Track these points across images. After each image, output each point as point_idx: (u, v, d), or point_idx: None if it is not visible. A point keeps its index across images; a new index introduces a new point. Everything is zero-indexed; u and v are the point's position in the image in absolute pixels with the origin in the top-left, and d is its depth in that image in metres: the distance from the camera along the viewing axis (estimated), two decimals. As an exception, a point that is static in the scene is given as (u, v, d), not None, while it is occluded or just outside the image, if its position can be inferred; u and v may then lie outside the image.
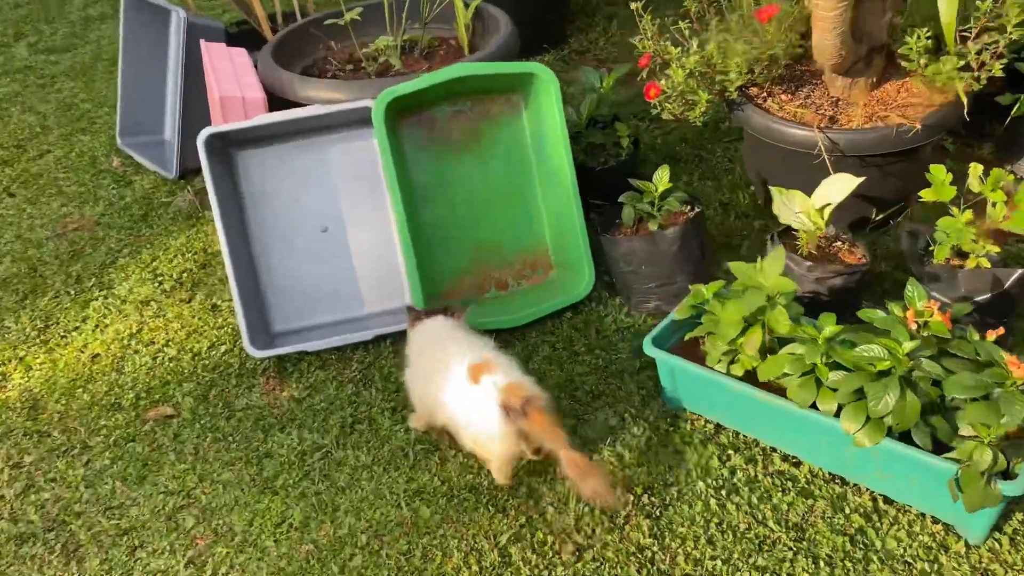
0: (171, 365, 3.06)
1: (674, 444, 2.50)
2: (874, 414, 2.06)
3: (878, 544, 2.15)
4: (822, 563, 2.12)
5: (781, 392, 2.27)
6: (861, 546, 2.15)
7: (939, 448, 2.04)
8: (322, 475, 2.55)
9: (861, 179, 2.64)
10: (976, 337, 2.13)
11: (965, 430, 1.99)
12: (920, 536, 2.15)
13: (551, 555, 2.24)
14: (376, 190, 3.10)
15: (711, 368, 2.41)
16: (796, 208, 2.73)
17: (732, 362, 2.39)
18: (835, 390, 2.15)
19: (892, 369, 2.07)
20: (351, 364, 2.97)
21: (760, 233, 3.26)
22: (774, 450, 2.43)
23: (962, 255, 2.61)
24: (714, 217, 3.39)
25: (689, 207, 2.91)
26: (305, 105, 3.01)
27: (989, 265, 2.52)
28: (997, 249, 2.52)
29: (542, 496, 2.39)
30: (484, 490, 2.43)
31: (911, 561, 2.10)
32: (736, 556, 2.17)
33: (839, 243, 2.81)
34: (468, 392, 2.29)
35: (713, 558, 2.17)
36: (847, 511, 2.23)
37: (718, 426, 2.53)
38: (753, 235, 3.27)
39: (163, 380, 3.00)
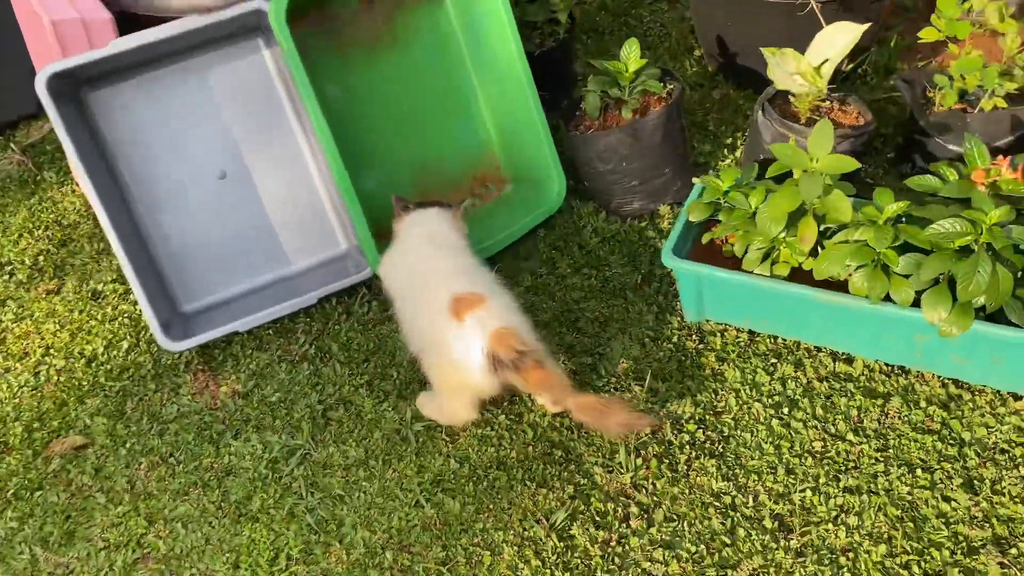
0: (62, 380, 2.40)
1: (710, 364, 2.17)
2: (966, 297, 1.78)
3: (967, 436, 1.93)
4: (919, 471, 1.88)
5: (824, 285, 1.97)
6: (951, 442, 1.92)
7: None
8: (308, 485, 2.06)
9: (866, 25, 2.29)
10: (1050, 189, 1.87)
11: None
12: (1008, 418, 1.94)
13: (618, 525, 1.88)
14: (278, 116, 2.49)
15: (751, 272, 2.06)
16: (790, 69, 2.36)
17: (772, 262, 2.05)
18: (908, 276, 1.86)
19: (974, 244, 1.79)
20: (296, 337, 2.43)
21: (723, 105, 2.90)
22: (819, 349, 2.14)
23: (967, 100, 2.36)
24: (664, 92, 2.98)
25: (663, 85, 2.49)
26: (170, 19, 2.30)
27: (1006, 105, 2.28)
28: (1014, 85, 2.27)
29: (581, 455, 2.01)
30: (514, 463, 2.02)
31: (1007, 448, 1.89)
32: (823, 481, 1.90)
33: (827, 103, 2.48)
34: (448, 327, 1.89)
35: (801, 489, 1.89)
36: (922, 404, 2.00)
37: (751, 333, 2.21)
38: (716, 107, 2.90)
39: (57, 401, 2.35)
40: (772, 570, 1.77)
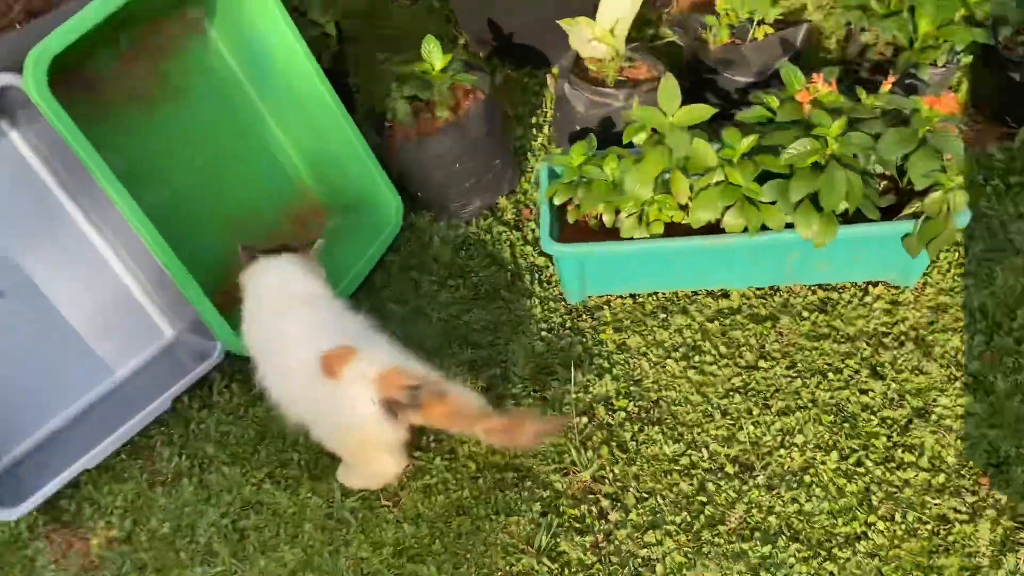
0: None
1: (611, 337, 2.17)
2: (830, 207, 1.93)
3: (852, 330, 2.11)
4: (830, 375, 2.03)
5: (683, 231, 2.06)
6: (842, 339, 2.09)
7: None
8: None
9: (645, -20, 2.38)
10: (867, 95, 2.07)
11: (920, 183, 1.95)
12: (875, 304, 2.15)
13: (598, 523, 1.83)
14: (49, 206, 2.09)
15: (632, 239, 2.07)
16: (587, 36, 2.40)
17: (645, 223, 2.08)
18: (773, 202, 1.98)
19: (824, 158, 1.94)
20: (159, 453, 2.07)
21: (509, 87, 2.88)
22: (695, 293, 2.23)
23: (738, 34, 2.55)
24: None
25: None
26: None
27: (773, 30, 2.50)
28: (778, 11, 2.49)
29: (532, 469, 1.94)
30: (470, 502, 1.89)
31: (887, 329, 2.10)
32: (757, 412, 1.98)
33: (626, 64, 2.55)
34: (326, 389, 1.70)
35: (742, 427, 1.96)
36: (805, 315, 2.15)
37: (633, 297, 2.24)
38: (503, 91, 2.88)
39: None
40: (755, 511, 1.82)
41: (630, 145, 2.10)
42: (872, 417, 1.94)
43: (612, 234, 2.11)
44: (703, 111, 1.95)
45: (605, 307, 2.23)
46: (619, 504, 1.86)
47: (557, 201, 2.13)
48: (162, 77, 2.19)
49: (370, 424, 1.69)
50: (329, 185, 2.44)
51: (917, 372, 2.00)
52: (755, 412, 1.98)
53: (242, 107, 2.32)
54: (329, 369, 1.69)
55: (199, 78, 2.25)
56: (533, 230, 2.43)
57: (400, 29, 3.15)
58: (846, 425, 1.93)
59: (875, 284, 2.18)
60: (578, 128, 2.49)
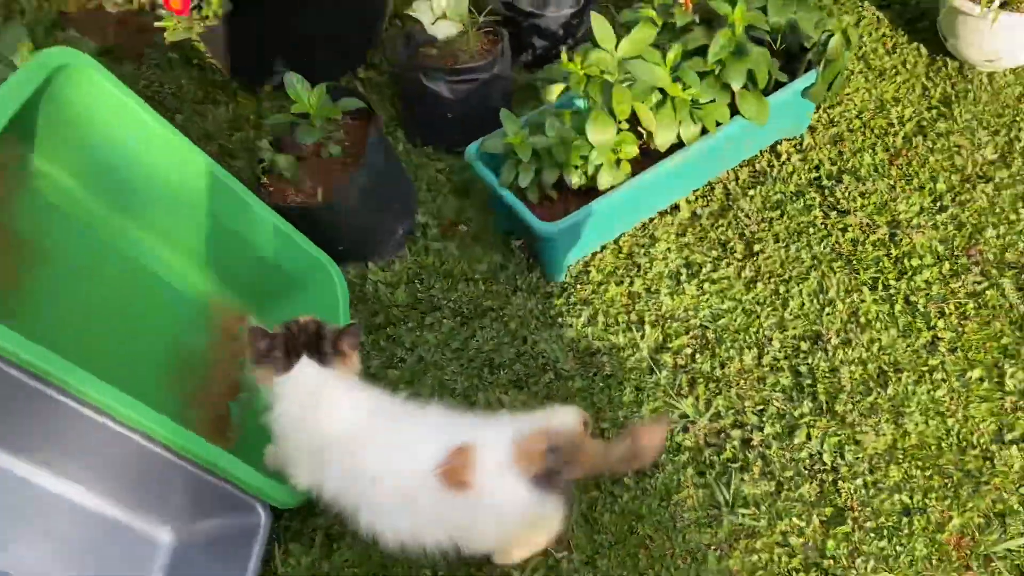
0: None
1: (620, 292, 2.12)
2: (761, 83, 2.06)
3: (793, 187, 2.28)
4: (810, 229, 2.19)
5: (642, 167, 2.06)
6: (793, 197, 2.25)
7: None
8: None
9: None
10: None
11: (815, 34, 2.12)
12: (792, 160, 2.34)
13: (751, 448, 1.82)
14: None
15: (612, 188, 2.02)
16: (436, 15, 2.24)
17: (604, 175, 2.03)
18: (712, 100, 2.06)
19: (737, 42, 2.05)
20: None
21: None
22: (651, 219, 2.25)
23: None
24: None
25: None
26: None
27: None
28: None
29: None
30: (629, 502, 1.77)
31: (816, 174, 2.30)
32: (784, 289, 2.09)
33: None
34: (462, 503, 1.45)
35: (775, 312, 2.05)
36: (750, 193, 2.28)
37: (602, 250, 2.20)
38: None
39: None
40: (854, 367, 1.93)
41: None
42: (866, 247, 2.13)
43: (581, 195, 2.04)
44: (647, 34, 1.93)
45: (591, 269, 2.16)
46: (748, 424, 1.86)
47: (524, 182, 1.99)
48: (10, 245, 1.63)
49: (532, 508, 1.46)
50: (250, 275, 2.02)
51: (866, 194, 2.23)
52: (783, 290, 2.07)
53: (113, 239, 1.82)
54: (457, 482, 1.43)
55: (50, 226, 1.71)
56: (466, 231, 2.26)
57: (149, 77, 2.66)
58: (852, 262, 2.11)
59: (776, 144, 2.36)
60: (449, 115, 2.34)
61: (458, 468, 1.42)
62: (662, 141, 2.01)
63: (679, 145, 2.04)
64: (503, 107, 2.03)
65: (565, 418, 1.54)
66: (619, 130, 1.97)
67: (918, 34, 2.61)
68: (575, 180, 2.02)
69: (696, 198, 2.28)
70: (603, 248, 2.20)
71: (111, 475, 1.64)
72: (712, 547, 1.70)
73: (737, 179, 2.31)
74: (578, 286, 2.13)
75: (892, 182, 2.25)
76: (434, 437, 1.48)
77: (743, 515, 1.73)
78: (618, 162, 2.02)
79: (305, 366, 1.52)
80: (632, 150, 2.02)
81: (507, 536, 1.56)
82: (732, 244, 2.18)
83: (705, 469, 1.81)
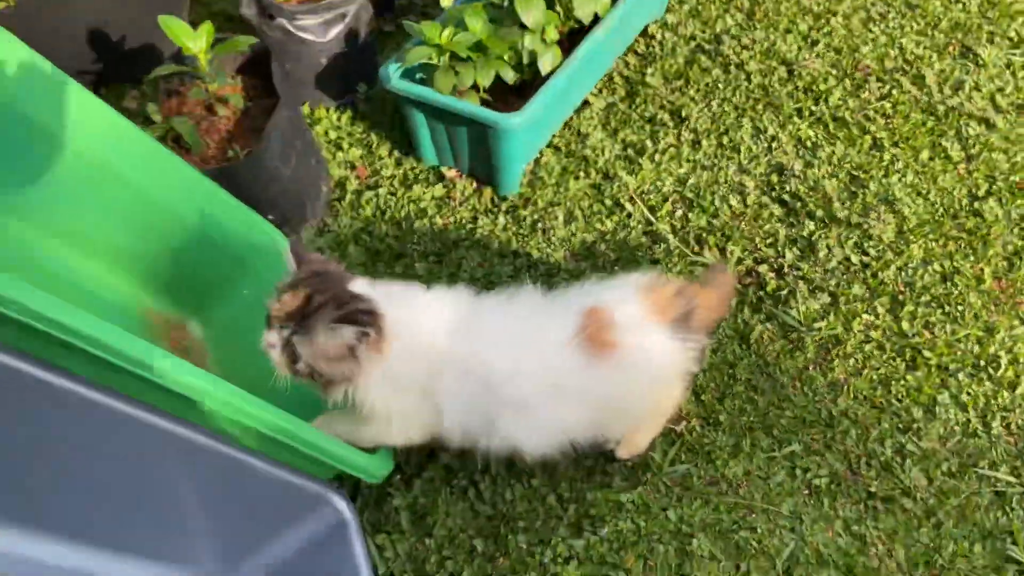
0: None
1: (573, 193, 2.00)
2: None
3: (698, 67, 2.32)
4: (718, 103, 2.22)
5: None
6: (696, 74, 2.29)
7: None
8: None
9: None
10: None
11: None
12: (664, 39, 2.38)
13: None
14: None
15: (555, 71, 1.89)
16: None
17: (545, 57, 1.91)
18: None
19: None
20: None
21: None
22: (569, 120, 2.17)
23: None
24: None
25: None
26: None
27: None
28: None
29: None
30: (734, 370, 1.64)
31: (696, 49, 2.36)
32: (702, 162, 2.10)
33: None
34: (606, 369, 1.25)
35: (712, 184, 2.06)
36: (653, 74, 2.28)
37: (541, 154, 2.08)
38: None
39: None
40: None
41: None
42: (775, 86, 2.21)
43: (515, 94, 1.90)
44: None
45: (542, 174, 2.01)
46: (769, 257, 1.82)
47: (466, 83, 1.80)
48: None
49: (679, 361, 1.29)
50: (188, 269, 1.61)
51: (748, 47, 2.32)
52: (726, 141, 2.08)
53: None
54: (601, 344, 1.23)
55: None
56: (391, 176, 2.01)
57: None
58: (772, 101, 2.17)
59: (645, 28, 2.39)
60: (324, 60, 2.09)
61: (598, 329, 1.23)
62: (585, 13, 1.92)
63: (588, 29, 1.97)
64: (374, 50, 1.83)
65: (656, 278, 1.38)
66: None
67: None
68: (510, 76, 1.87)
69: (600, 91, 2.22)
70: (541, 154, 2.06)
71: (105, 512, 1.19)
72: (810, 367, 1.62)
73: (628, 65, 2.29)
74: (537, 192, 1.97)
75: (763, 32, 2.35)
76: (555, 312, 1.27)
77: (819, 328, 1.67)
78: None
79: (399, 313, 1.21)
80: (555, 33, 1.91)
81: (655, 400, 1.36)
82: (659, 117, 2.14)
83: (760, 305, 1.73)
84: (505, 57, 1.86)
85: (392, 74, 1.85)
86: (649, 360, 1.26)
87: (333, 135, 2.11)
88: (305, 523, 1.33)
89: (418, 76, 1.90)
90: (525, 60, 1.87)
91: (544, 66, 1.86)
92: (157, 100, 1.68)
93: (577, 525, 1.43)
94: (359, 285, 1.24)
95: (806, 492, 1.45)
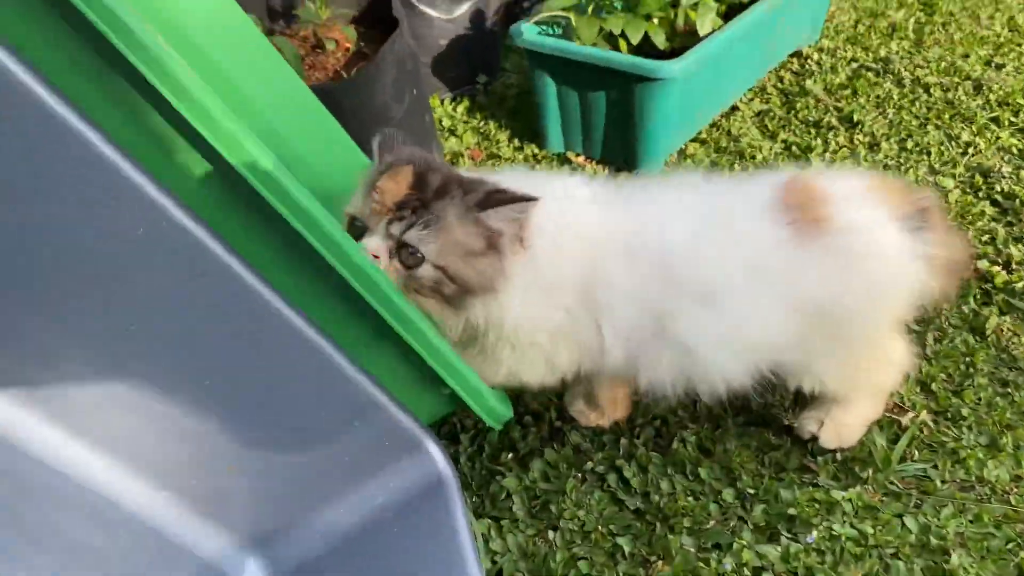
0: None
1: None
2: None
3: (841, 77, 2.03)
4: (895, 112, 1.92)
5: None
6: (865, 86, 2.00)
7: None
8: None
9: None
10: None
11: None
12: (821, 60, 2.11)
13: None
14: None
15: (713, 31, 1.63)
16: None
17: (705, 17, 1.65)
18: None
19: None
20: None
21: None
22: (715, 122, 1.88)
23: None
24: None
25: None
26: None
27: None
28: None
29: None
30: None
31: (860, 69, 2.08)
32: (887, 163, 1.76)
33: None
34: (816, 251, 0.88)
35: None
36: (815, 82, 2.00)
37: (686, 145, 1.78)
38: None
39: None
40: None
41: None
42: (961, 97, 1.88)
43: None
44: None
45: (699, 161, 1.70)
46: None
47: (632, 33, 1.54)
48: None
49: (911, 266, 0.91)
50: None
51: (923, 65, 2.02)
52: (910, 145, 1.74)
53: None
54: (808, 217, 0.87)
55: None
56: (521, 155, 1.73)
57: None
58: (960, 111, 1.84)
59: (798, 51, 2.13)
60: (444, 42, 1.88)
61: (807, 199, 0.89)
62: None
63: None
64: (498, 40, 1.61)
65: None
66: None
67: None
68: (661, 39, 1.60)
69: (750, 99, 1.94)
70: (685, 146, 1.76)
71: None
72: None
73: (782, 80, 2.01)
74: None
75: (939, 52, 2.06)
76: (747, 186, 0.93)
77: None
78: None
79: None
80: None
81: (877, 322, 0.95)
82: (826, 121, 1.83)
83: (990, 298, 1.32)
84: (655, 20, 1.60)
85: (524, 30, 1.61)
86: (873, 250, 0.89)
87: (447, 123, 1.87)
88: (397, 474, 0.95)
89: (554, 34, 1.65)
90: (680, 20, 1.61)
91: (704, 26, 1.59)
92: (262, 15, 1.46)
93: (768, 529, 0.99)
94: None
95: (1113, 507, 0.99)
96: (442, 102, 1.94)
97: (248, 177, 0.77)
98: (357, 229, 0.89)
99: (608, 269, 0.88)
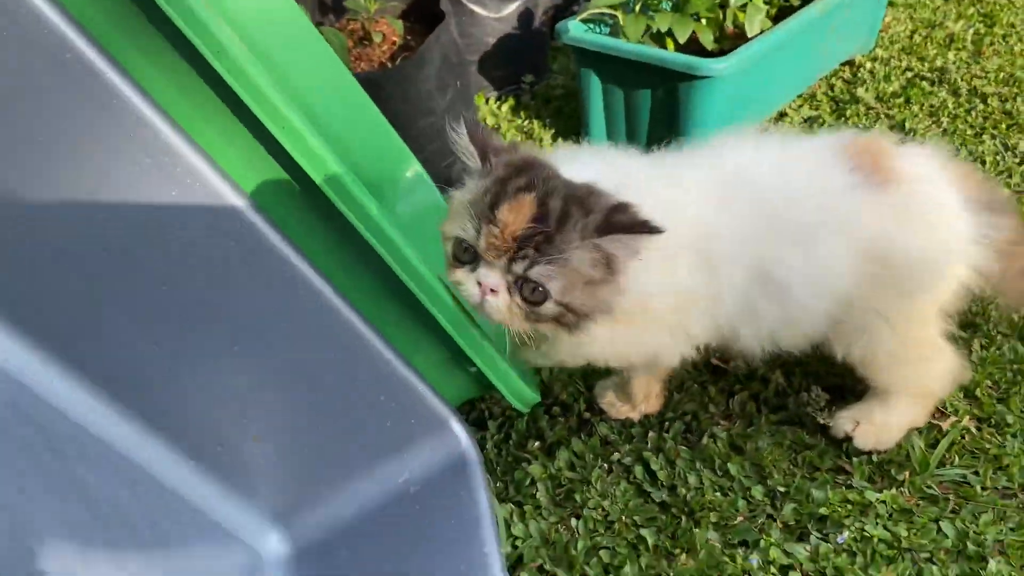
0: None
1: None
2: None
3: (895, 86, 1.99)
4: (948, 122, 1.87)
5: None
6: (918, 96, 1.96)
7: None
8: None
9: None
10: None
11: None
12: (874, 68, 2.07)
13: None
14: None
15: (762, 32, 1.61)
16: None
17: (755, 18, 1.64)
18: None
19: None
20: None
21: None
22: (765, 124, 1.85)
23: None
24: None
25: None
26: None
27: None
28: None
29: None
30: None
31: (914, 78, 2.04)
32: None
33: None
34: (891, 205, 0.90)
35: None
36: (866, 90, 1.96)
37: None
38: None
39: None
40: None
41: None
42: (1020, 108, 1.83)
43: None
44: None
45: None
46: None
47: (680, 32, 1.53)
48: None
49: (968, 243, 0.92)
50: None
51: (981, 75, 1.97)
52: (964, 154, 1.69)
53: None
54: (877, 168, 0.90)
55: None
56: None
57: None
58: (1018, 121, 1.79)
59: (846, 64, 2.10)
60: (492, 40, 1.89)
61: (876, 154, 0.92)
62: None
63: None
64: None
65: None
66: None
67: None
68: (709, 39, 1.59)
69: (799, 106, 1.91)
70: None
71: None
72: None
73: (833, 88, 1.98)
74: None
75: (999, 62, 2.00)
76: (813, 142, 0.96)
77: None
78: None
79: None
80: (765, -2, 1.64)
81: (928, 281, 0.94)
82: (878, 129, 1.79)
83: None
84: (703, 20, 1.59)
85: (571, 27, 1.61)
86: (936, 206, 0.91)
87: (491, 121, 1.88)
88: (422, 452, 0.95)
89: (600, 32, 1.65)
90: (729, 21, 1.59)
91: (752, 27, 1.58)
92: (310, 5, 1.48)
93: (798, 528, 0.96)
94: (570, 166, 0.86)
95: None
96: (487, 100, 1.95)
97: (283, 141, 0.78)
98: (468, 255, 0.82)
99: (714, 221, 0.87)
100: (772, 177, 0.91)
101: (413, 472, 0.94)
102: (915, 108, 1.86)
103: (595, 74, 1.63)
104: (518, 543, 0.97)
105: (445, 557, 0.87)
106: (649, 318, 0.89)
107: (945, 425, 1.06)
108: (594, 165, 0.87)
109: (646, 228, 0.77)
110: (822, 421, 1.07)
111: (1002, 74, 1.97)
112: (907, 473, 1.00)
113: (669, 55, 1.50)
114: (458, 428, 0.95)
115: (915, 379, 0.99)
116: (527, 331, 0.83)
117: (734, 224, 0.88)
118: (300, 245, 0.84)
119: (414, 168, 1.37)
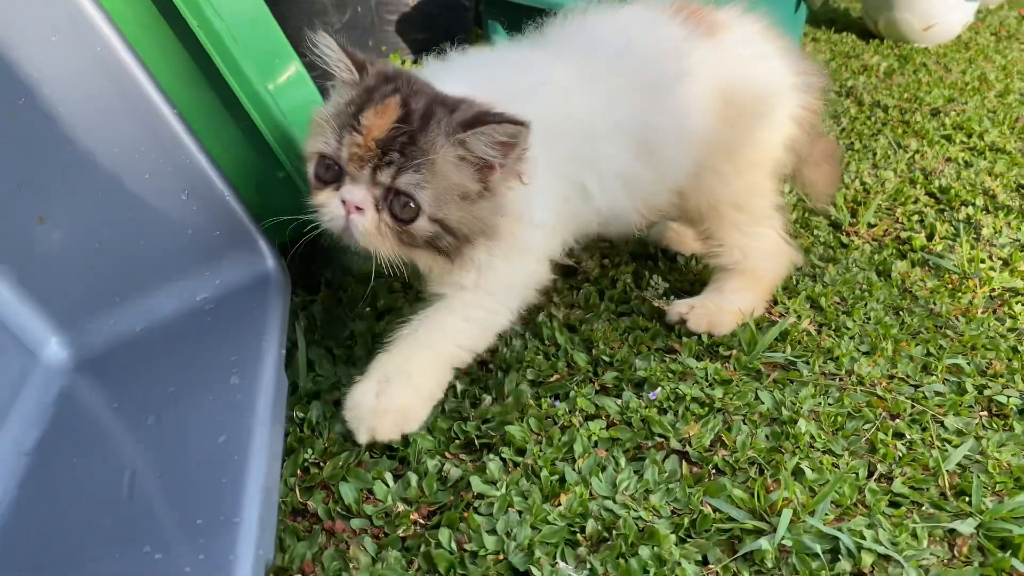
0: None
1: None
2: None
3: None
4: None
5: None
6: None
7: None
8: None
9: None
10: None
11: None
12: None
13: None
14: None
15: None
16: None
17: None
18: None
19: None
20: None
21: None
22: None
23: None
24: None
25: None
26: None
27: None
28: None
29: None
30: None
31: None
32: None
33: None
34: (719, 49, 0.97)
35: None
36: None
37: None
38: None
39: None
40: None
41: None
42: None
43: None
44: None
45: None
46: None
47: None
48: None
49: (787, 84, 1.00)
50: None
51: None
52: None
53: None
54: (702, 21, 0.97)
55: None
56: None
57: None
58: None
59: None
60: (411, 2, 1.91)
61: (698, 10, 0.98)
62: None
63: None
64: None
65: None
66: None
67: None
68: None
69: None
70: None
71: None
72: (979, 311, 1.12)
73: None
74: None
75: (903, 83, 2.07)
76: (642, 12, 1.00)
77: (990, 278, 1.19)
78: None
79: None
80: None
81: (758, 134, 0.99)
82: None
83: (904, 253, 1.27)
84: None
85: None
86: (759, 49, 0.99)
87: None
88: (225, 267, 0.89)
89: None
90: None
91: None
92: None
93: (616, 389, 0.92)
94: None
95: (983, 412, 0.91)
96: (403, 62, 1.96)
97: None
98: (332, 172, 0.77)
99: (588, 110, 0.88)
100: (622, 43, 0.93)
101: (215, 290, 0.88)
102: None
103: (500, 26, 1.65)
104: (319, 379, 0.91)
105: (220, 363, 0.81)
106: (527, 247, 0.86)
107: (787, 325, 1.03)
108: (463, 78, 0.85)
109: (509, 119, 0.73)
110: (658, 304, 1.04)
111: (906, 94, 2.03)
112: (734, 351, 0.97)
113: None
114: (265, 247, 0.90)
115: (751, 245, 0.99)
116: (399, 256, 0.77)
117: (609, 102, 0.89)
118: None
119: (295, 66, 1.35)
